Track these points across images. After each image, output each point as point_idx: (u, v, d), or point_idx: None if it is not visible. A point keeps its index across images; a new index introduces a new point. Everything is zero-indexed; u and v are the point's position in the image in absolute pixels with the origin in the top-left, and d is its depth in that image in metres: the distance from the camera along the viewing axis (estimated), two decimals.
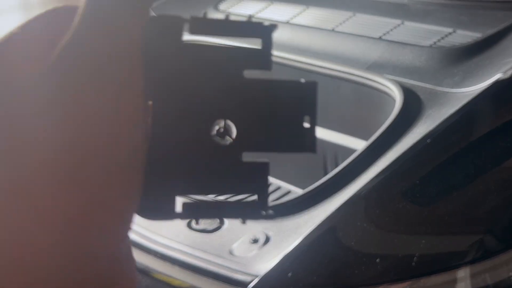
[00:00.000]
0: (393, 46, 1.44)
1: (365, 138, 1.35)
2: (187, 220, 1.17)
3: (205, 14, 0.36)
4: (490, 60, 1.29)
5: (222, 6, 1.87)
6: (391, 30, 1.51)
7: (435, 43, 1.42)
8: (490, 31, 1.37)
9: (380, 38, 1.49)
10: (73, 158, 0.23)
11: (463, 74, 1.29)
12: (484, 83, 1.22)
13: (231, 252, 1.07)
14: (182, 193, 0.32)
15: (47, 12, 0.27)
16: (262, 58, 0.34)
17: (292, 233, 1.07)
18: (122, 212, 0.26)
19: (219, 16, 1.79)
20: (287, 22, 1.68)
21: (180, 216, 0.32)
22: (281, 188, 1.70)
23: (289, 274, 0.97)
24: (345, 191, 1.11)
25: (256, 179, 0.34)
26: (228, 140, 0.33)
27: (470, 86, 1.24)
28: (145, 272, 1.10)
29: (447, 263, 0.96)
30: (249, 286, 0.99)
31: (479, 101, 1.17)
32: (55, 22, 0.26)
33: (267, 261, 1.02)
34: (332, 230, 1.02)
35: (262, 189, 0.34)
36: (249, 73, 0.33)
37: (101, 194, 0.24)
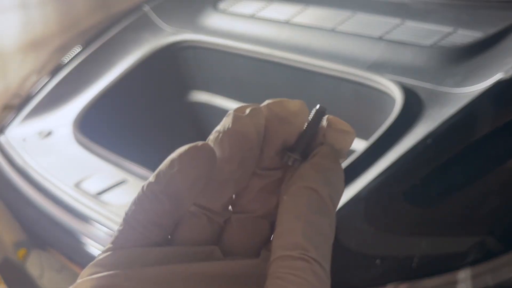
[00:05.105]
0: (394, 45, 1.43)
1: (365, 138, 1.35)
2: None
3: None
4: (491, 60, 1.29)
5: (221, 6, 1.86)
6: (392, 29, 1.50)
7: (435, 42, 1.41)
8: (492, 30, 1.36)
9: (380, 37, 1.48)
10: None
11: (464, 74, 1.28)
12: (485, 83, 1.21)
13: None
14: None
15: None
16: None
17: None
18: None
19: (219, 15, 1.78)
20: (287, 22, 1.68)
21: None
22: None
23: None
24: (345, 192, 1.10)
25: None
26: None
27: (471, 86, 1.23)
28: None
29: (448, 264, 0.96)
30: None
31: (480, 101, 1.17)
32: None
33: None
34: None
35: None
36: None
37: None
